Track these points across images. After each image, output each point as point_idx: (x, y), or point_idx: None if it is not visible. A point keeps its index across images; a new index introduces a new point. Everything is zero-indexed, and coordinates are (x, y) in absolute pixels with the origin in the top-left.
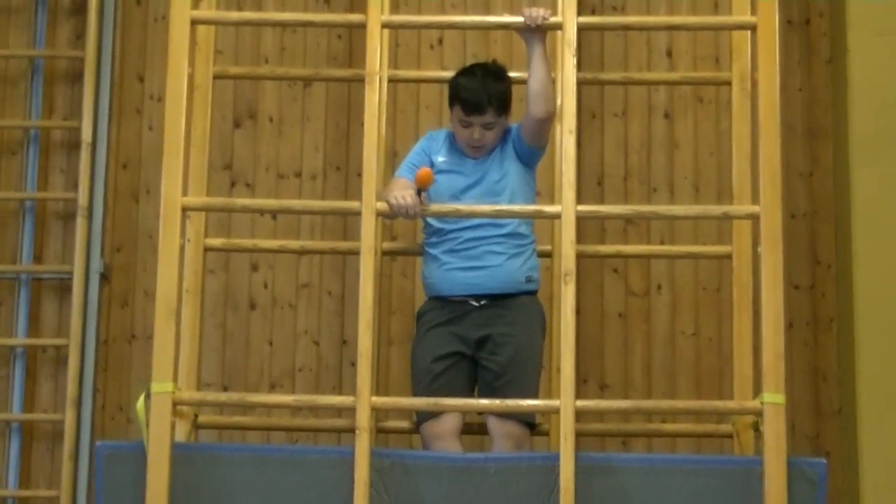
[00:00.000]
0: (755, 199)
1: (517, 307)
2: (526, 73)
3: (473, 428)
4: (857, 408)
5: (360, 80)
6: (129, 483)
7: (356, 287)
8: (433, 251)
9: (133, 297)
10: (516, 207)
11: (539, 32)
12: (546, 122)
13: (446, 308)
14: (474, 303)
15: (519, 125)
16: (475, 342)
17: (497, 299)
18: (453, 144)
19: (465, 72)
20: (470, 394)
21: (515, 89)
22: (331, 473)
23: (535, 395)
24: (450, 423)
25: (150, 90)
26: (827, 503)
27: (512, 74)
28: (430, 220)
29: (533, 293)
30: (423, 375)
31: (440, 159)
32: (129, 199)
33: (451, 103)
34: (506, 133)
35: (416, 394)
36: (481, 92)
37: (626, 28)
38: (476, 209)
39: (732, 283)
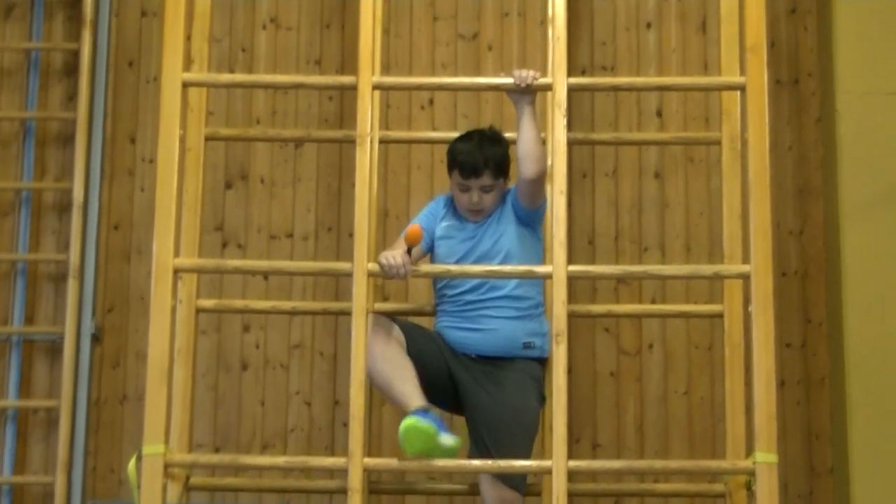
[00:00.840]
0: (746, 258)
1: (512, 369)
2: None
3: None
4: (850, 467)
5: (352, 141)
6: None
7: (348, 347)
8: (439, 307)
9: (125, 358)
10: (506, 268)
11: (529, 93)
12: (537, 183)
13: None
14: (472, 356)
15: (514, 190)
16: (464, 388)
17: (492, 360)
18: (455, 209)
19: (462, 137)
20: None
21: (511, 151)
22: None
23: (527, 458)
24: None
25: (141, 152)
26: None
27: (505, 135)
28: (434, 281)
29: (533, 359)
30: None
31: (443, 225)
32: (120, 260)
33: (450, 169)
34: (505, 195)
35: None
36: (478, 155)
37: (617, 89)
38: (466, 270)
39: (724, 342)
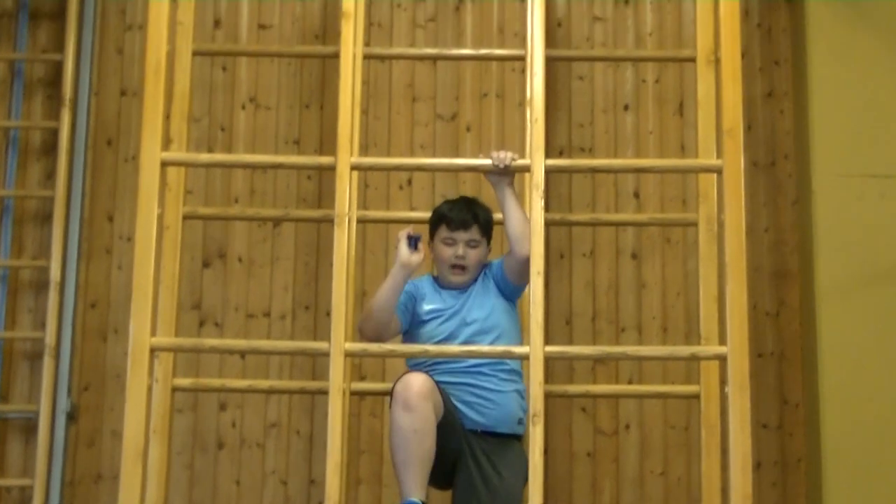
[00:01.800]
0: (723, 339)
1: (510, 450)
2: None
3: None
4: None
5: (330, 221)
6: None
7: (325, 426)
8: (435, 378)
9: (100, 438)
10: (485, 348)
11: (508, 175)
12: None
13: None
14: (477, 431)
15: (501, 263)
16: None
17: (494, 435)
18: (435, 286)
19: (448, 200)
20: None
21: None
22: None
23: None
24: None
25: (119, 230)
26: None
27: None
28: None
29: (520, 436)
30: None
31: (426, 307)
32: (97, 339)
33: (435, 226)
34: (485, 269)
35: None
36: (467, 210)
37: (594, 170)
38: (444, 349)
39: (701, 423)
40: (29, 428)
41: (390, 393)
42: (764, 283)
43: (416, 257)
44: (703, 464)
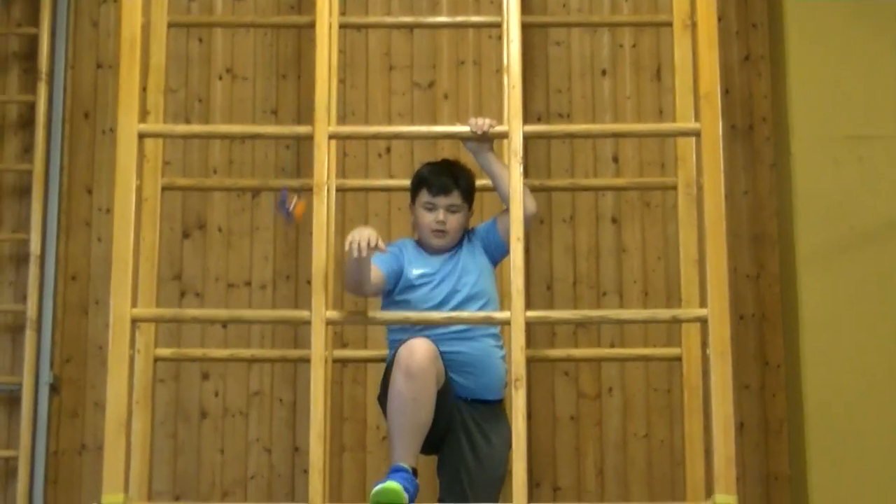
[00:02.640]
0: (703, 302)
1: (498, 417)
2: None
3: None
4: None
5: (309, 190)
6: None
7: (307, 395)
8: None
9: (83, 409)
10: (465, 314)
11: (486, 141)
12: (535, 216)
13: None
14: (468, 399)
15: (492, 225)
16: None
17: (484, 403)
18: (419, 251)
19: (429, 163)
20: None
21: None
22: None
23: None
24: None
25: (98, 202)
26: None
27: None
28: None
29: (502, 401)
30: None
31: (415, 272)
32: (78, 312)
33: (416, 190)
34: (468, 233)
35: None
36: (448, 174)
37: (572, 136)
38: (428, 317)
39: (683, 386)
40: (12, 400)
41: (390, 360)
42: (743, 246)
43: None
44: (686, 426)
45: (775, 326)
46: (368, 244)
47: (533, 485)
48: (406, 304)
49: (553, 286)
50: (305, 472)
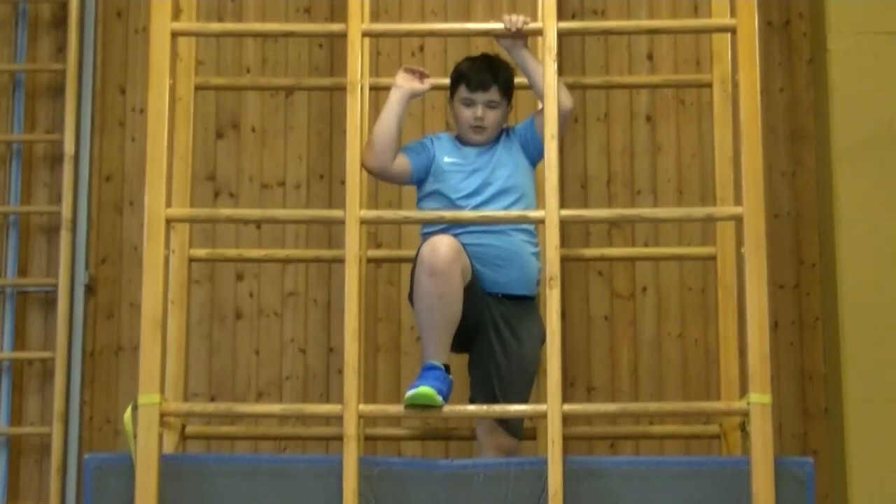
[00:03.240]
0: (738, 200)
1: (530, 314)
2: None
3: (460, 433)
4: (844, 407)
5: (342, 89)
6: (118, 495)
7: (342, 295)
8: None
9: (119, 310)
10: (501, 213)
11: (521, 38)
12: (571, 112)
13: None
14: (498, 295)
15: (531, 123)
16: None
17: (514, 299)
18: (455, 143)
19: (469, 58)
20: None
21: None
22: (320, 482)
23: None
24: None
25: (132, 102)
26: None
27: None
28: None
29: (536, 301)
30: None
31: (447, 160)
32: (112, 212)
33: (455, 85)
34: (506, 130)
35: None
36: (487, 69)
37: (607, 33)
38: (461, 216)
39: (717, 285)
40: (48, 301)
41: (415, 258)
42: (779, 143)
43: (414, 83)
44: (721, 325)
45: (811, 224)
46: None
47: (567, 384)
48: (438, 195)
49: (587, 185)
50: (340, 372)
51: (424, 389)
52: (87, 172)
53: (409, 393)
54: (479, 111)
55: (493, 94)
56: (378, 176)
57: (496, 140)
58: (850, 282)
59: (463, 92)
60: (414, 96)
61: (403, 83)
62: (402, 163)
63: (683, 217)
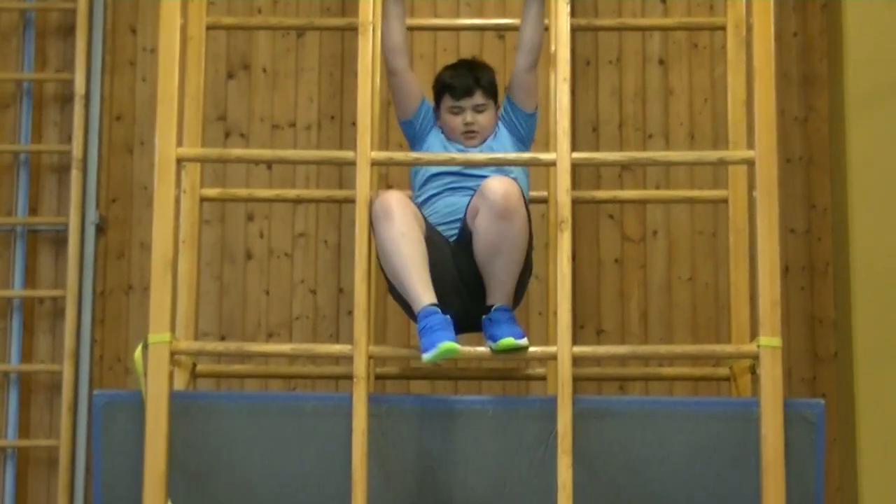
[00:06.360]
0: (750, 145)
1: None
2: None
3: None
4: (854, 352)
5: (354, 30)
6: (128, 432)
7: (352, 236)
8: (429, 203)
9: (129, 249)
10: (511, 155)
11: None
12: (534, 69)
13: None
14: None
15: (507, 99)
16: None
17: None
18: (444, 142)
19: (447, 67)
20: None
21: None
22: (329, 420)
23: (521, 295)
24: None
25: (143, 42)
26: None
27: (506, 21)
28: (426, 185)
29: None
30: None
31: (434, 135)
32: (123, 152)
33: (439, 97)
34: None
35: None
36: (468, 75)
37: None
38: (472, 157)
39: (728, 229)
40: (59, 241)
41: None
42: (792, 88)
43: None
44: (731, 269)
45: (823, 169)
46: None
47: (577, 327)
48: (423, 184)
49: (599, 129)
50: (350, 313)
51: (449, 345)
52: (97, 112)
53: (429, 356)
54: (469, 117)
55: (479, 97)
56: (393, 79)
57: (490, 145)
58: (862, 227)
59: (448, 101)
60: None
61: None
62: (416, 83)
63: (696, 160)
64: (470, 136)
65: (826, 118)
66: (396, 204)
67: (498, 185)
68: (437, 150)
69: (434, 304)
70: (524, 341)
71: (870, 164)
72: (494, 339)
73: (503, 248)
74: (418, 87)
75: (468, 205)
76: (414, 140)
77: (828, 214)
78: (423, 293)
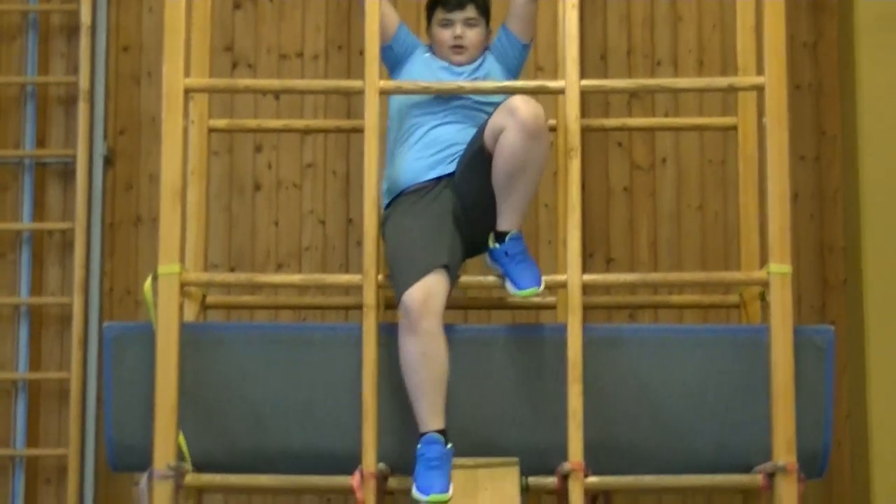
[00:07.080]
0: (760, 71)
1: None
2: None
3: (479, 303)
4: (863, 279)
5: None
6: (138, 363)
7: (361, 166)
8: (401, 149)
9: (138, 181)
10: (519, 83)
11: None
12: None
13: (419, 192)
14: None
15: (503, 29)
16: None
17: None
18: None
19: None
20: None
21: None
22: (339, 350)
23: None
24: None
25: None
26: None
27: None
28: (409, 118)
29: None
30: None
31: (425, 56)
32: (130, 83)
33: (432, 10)
34: (486, 51)
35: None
36: None
37: None
38: (478, 86)
39: (738, 156)
40: (67, 173)
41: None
42: (802, 13)
43: None
44: (741, 197)
45: (832, 96)
46: None
47: (586, 255)
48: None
49: (607, 56)
50: (359, 243)
51: (441, 498)
52: (104, 43)
53: (422, 498)
54: (458, 29)
55: (470, 11)
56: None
57: (478, 67)
58: (871, 154)
59: (440, 14)
60: None
61: None
62: (392, 10)
63: (705, 87)
64: (458, 50)
65: (836, 44)
66: (425, 321)
67: (527, 105)
68: (420, 70)
69: (440, 431)
70: (542, 287)
71: (879, 89)
72: (518, 286)
73: (528, 167)
74: (394, 13)
75: (485, 124)
76: (395, 65)
77: (837, 141)
78: (431, 417)
